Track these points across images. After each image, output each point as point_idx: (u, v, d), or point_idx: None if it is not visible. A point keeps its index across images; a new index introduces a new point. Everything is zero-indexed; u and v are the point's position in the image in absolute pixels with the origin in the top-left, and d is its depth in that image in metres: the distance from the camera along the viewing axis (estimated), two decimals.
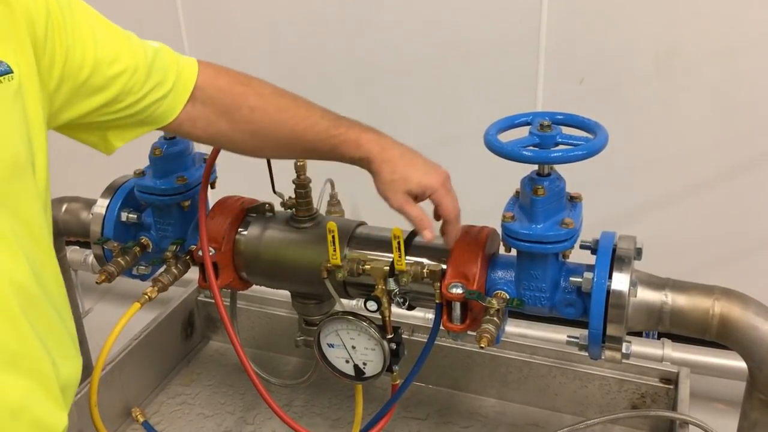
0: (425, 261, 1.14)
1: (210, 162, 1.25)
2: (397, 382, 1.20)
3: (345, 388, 1.54)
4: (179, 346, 1.73)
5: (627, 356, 1.05)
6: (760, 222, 1.66)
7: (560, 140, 1.04)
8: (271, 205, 1.30)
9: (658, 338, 1.65)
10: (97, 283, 1.32)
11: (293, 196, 1.27)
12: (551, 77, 1.69)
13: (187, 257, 1.31)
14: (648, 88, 1.64)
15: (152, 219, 1.36)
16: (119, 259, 1.33)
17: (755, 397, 1.06)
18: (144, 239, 1.36)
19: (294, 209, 1.27)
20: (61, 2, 0.88)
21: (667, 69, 1.61)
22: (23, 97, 0.83)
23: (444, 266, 1.11)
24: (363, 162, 1.05)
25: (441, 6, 1.73)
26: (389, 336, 1.15)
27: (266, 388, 1.26)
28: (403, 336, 1.19)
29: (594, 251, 1.06)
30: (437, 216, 1.07)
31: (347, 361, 1.19)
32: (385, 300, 1.12)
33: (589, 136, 1.04)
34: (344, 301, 1.23)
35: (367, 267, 1.13)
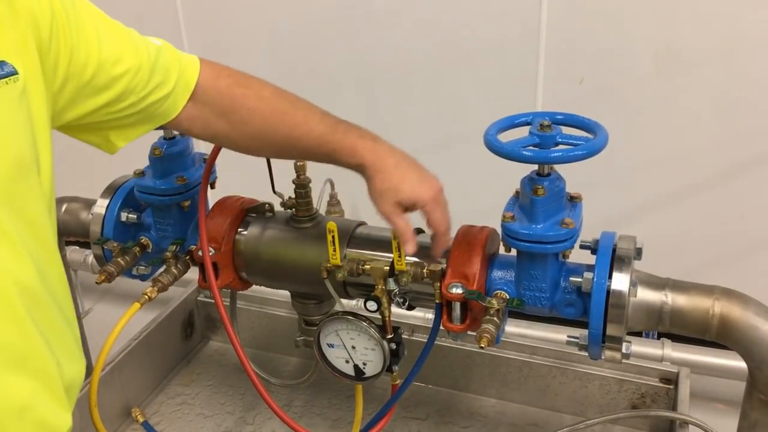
0: (425, 261, 1.14)
1: (210, 162, 1.25)
2: (397, 382, 1.20)
3: (345, 388, 1.54)
4: (179, 346, 1.73)
5: (627, 356, 1.05)
6: (760, 222, 1.66)
7: (560, 140, 1.04)
8: (271, 205, 1.30)
9: (658, 338, 1.65)
10: (96, 283, 1.32)
11: (293, 196, 1.27)
12: (551, 77, 1.69)
13: (187, 257, 1.31)
14: (648, 88, 1.64)
15: (152, 219, 1.36)
16: (119, 260, 1.33)
17: (755, 397, 1.06)
18: (144, 239, 1.36)
19: (294, 209, 1.27)
20: (65, 2, 0.88)
21: (667, 69, 1.61)
22: (28, 98, 0.83)
23: (444, 266, 1.10)
24: (357, 169, 1.05)
25: (441, 6, 1.73)
26: (389, 336, 1.15)
27: (266, 388, 1.25)
28: (403, 336, 1.19)
29: (594, 251, 1.06)
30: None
31: (347, 361, 1.19)
32: (385, 300, 1.12)
33: (589, 136, 1.04)
34: (344, 301, 1.23)
35: (367, 267, 1.13)
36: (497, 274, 1.11)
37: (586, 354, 1.08)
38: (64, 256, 1.77)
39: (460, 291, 1.07)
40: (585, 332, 1.05)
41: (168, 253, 1.32)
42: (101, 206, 1.36)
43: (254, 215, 1.30)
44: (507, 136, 1.05)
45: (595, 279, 1.02)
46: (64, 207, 1.48)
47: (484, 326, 1.06)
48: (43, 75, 0.86)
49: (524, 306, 1.09)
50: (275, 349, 1.72)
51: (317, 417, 1.52)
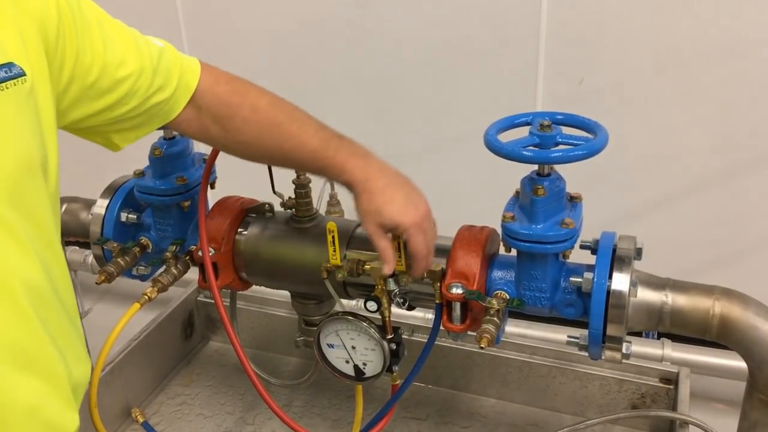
0: None
1: (210, 162, 1.24)
2: (397, 383, 1.20)
3: (345, 389, 1.54)
4: (179, 346, 1.73)
5: (627, 356, 1.05)
6: (760, 222, 1.66)
7: (560, 140, 1.04)
8: (270, 206, 1.30)
9: (658, 338, 1.65)
10: (96, 283, 1.32)
11: (293, 196, 1.26)
12: (551, 77, 1.69)
13: (187, 257, 1.31)
14: (648, 88, 1.64)
15: (152, 219, 1.36)
16: (119, 260, 1.33)
17: (755, 397, 1.06)
18: (144, 239, 1.36)
19: (294, 209, 1.27)
20: (71, 3, 0.89)
21: (667, 69, 1.61)
22: (36, 100, 0.83)
23: (444, 266, 1.10)
24: (346, 186, 1.06)
25: (441, 6, 1.73)
26: (389, 336, 1.15)
27: (266, 388, 1.25)
28: (403, 336, 1.19)
29: (594, 251, 1.06)
30: None
31: (347, 362, 1.19)
32: (385, 300, 1.12)
33: (589, 136, 1.04)
34: (344, 301, 1.23)
35: (367, 267, 1.12)
36: (497, 274, 1.11)
37: (586, 354, 1.08)
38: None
39: (460, 291, 1.07)
40: (585, 332, 1.05)
41: (168, 254, 1.32)
42: (101, 206, 1.36)
43: (254, 215, 1.30)
44: (507, 136, 1.05)
45: (595, 279, 1.02)
46: (64, 207, 1.47)
47: (484, 326, 1.06)
48: (50, 76, 0.86)
49: (524, 306, 1.09)
50: (275, 349, 1.72)
51: (317, 417, 1.52)
